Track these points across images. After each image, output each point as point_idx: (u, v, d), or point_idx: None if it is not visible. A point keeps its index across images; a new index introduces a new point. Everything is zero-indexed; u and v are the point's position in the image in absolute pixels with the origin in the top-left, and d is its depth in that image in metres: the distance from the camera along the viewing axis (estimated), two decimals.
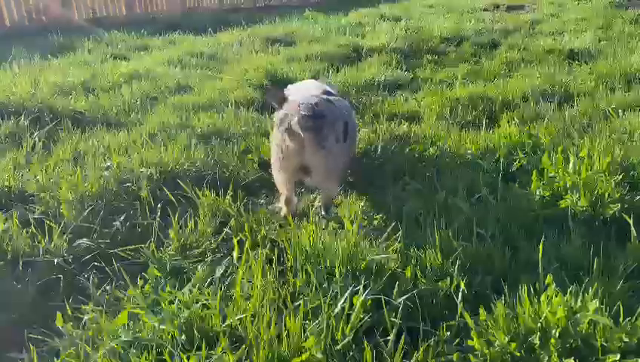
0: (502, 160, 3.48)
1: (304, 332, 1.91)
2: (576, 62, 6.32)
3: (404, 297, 2.11)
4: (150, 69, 6.42)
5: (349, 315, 2.01)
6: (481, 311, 2.02)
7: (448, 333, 2.01)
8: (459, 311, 2.05)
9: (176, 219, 2.78)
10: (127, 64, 6.84)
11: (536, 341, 1.89)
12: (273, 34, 8.49)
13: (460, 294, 2.11)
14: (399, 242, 2.52)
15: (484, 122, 4.10)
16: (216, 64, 6.85)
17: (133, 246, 2.67)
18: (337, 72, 6.18)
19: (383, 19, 10.36)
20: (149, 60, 7.07)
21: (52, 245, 2.71)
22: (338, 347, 1.88)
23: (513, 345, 1.89)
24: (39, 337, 2.14)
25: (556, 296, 2.01)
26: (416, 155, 3.65)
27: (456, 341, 1.99)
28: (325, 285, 2.17)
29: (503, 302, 2.07)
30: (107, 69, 6.47)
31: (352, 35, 8.29)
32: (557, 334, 1.89)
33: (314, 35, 8.32)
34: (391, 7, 12.38)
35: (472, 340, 1.92)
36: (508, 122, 4.12)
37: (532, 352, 1.88)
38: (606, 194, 2.82)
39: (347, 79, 5.71)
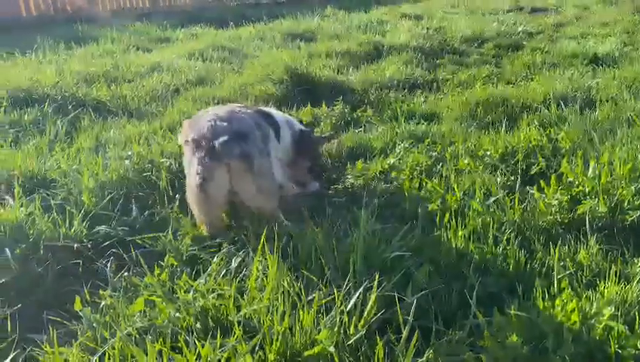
0: (521, 163, 3.46)
1: (317, 325, 1.93)
2: (601, 66, 6.24)
3: (417, 295, 2.11)
4: (172, 61, 6.48)
5: (362, 311, 2.02)
6: (495, 312, 2.02)
7: (461, 333, 2.01)
8: (472, 312, 2.05)
9: None
10: (150, 56, 6.92)
11: (550, 344, 1.89)
12: (294, 30, 8.51)
13: (474, 294, 2.10)
14: (414, 241, 2.52)
15: (503, 124, 4.07)
16: (236, 58, 6.89)
17: (151, 235, 2.71)
18: (357, 69, 6.18)
19: (405, 17, 10.32)
20: (170, 52, 7.14)
21: (72, 230, 2.76)
22: (350, 342, 1.89)
23: (526, 347, 1.89)
24: (58, 319, 2.19)
25: (571, 300, 2.00)
26: (435, 155, 3.64)
27: (469, 341, 1.99)
28: (339, 280, 2.18)
29: (517, 304, 2.07)
30: (129, 60, 6.56)
31: (373, 33, 8.27)
32: (570, 338, 1.88)
33: (335, 32, 8.32)
34: (412, 6, 12.34)
35: (485, 341, 1.91)
36: (528, 125, 4.08)
37: (545, 355, 1.88)
38: (625, 201, 2.80)
39: (367, 77, 5.70)
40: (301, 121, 4.04)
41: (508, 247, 2.49)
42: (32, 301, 2.37)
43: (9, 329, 2.15)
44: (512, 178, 3.26)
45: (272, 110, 3.50)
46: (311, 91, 5.25)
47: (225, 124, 2.67)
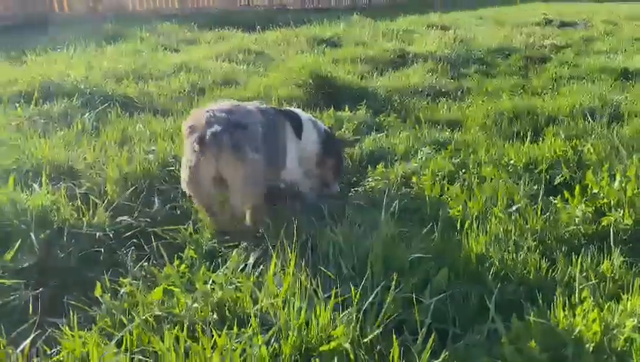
0: (544, 173, 3.42)
1: (333, 321, 1.92)
2: (630, 81, 6.14)
3: (436, 298, 2.09)
4: (199, 62, 6.57)
5: (379, 310, 2.01)
6: (514, 318, 1.99)
7: (478, 337, 1.99)
8: (490, 317, 2.03)
9: None
10: (177, 55, 7.03)
11: (569, 353, 1.85)
12: (320, 35, 8.56)
13: (493, 300, 2.08)
14: (434, 245, 2.51)
15: (528, 135, 4.03)
16: (262, 61, 6.96)
17: (172, 227, 2.74)
18: (381, 75, 6.19)
19: (431, 27, 10.31)
20: (198, 53, 7.24)
21: (95, 219, 2.80)
22: (366, 340, 1.89)
23: (544, 355, 1.86)
24: (78, 304, 2.22)
25: (592, 310, 1.96)
26: (457, 162, 3.62)
27: (486, 346, 1.96)
28: (357, 279, 2.18)
29: (537, 312, 2.04)
30: (157, 59, 6.66)
31: (399, 41, 8.28)
32: (591, 349, 1.85)
33: (360, 39, 8.34)
34: (440, 16, 12.32)
35: (502, 346, 1.89)
36: (553, 136, 4.03)
37: None
38: None
39: (391, 83, 5.71)
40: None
41: (529, 255, 2.46)
42: (54, 286, 2.41)
43: (30, 311, 2.19)
44: (536, 187, 3.22)
45: (298, 110, 3.52)
46: (334, 95, 5.27)
47: (223, 115, 2.68)
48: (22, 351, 1.86)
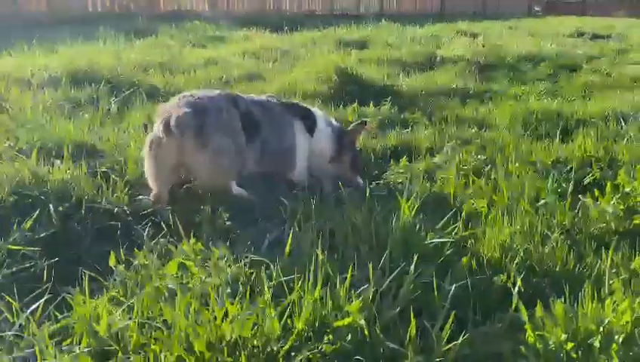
0: (574, 172, 3.30)
1: (349, 299, 1.86)
2: None
3: (456, 284, 2.01)
4: (225, 58, 6.61)
5: (396, 293, 1.94)
6: (538, 306, 1.90)
7: (499, 325, 1.90)
8: (513, 305, 1.94)
9: None
10: (204, 51, 7.08)
11: (597, 344, 1.75)
12: (347, 37, 8.55)
13: (516, 289, 1.99)
14: (456, 233, 2.43)
15: (557, 135, 3.92)
16: (288, 59, 6.96)
17: (190, 207, 2.71)
18: (408, 76, 6.12)
19: (460, 34, 10.22)
20: (225, 50, 7.29)
21: (114, 196, 2.79)
22: (383, 321, 1.81)
23: (570, 344, 1.76)
24: (92, 274, 2.19)
25: (623, 301, 1.86)
26: (483, 158, 3.53)
27: (508, 334, 1.88)
28: (375, 262, 2.11)
29: (563, 303, 1.94)
30: (185, 54, 6.72)
31: (427, 45, 8.20)
32: (621, 340, 1.75)
33: (388, 42, 8.30)
34: (469, 24, 12.22)
35: (526, 334, 1.80)
36: (583, 137, 3.91)
37: (591, 355, 1.75)
38: None
39: (417, 83, 5.64)
40: None
41: (556, 248, 2.36)
42: (69, 256, 2.40)
43: (44, 278, 2.17)
44: (564, 185, 3.11)
45: (312, 108, 3.47)
46: (358, 92, 5.22)
47: (194, 99, 2.64)
48: (33, 314, 1.83)
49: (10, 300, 1.88)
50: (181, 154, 2.58)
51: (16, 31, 7.88)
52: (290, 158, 3.12)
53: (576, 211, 2.78)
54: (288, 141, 3.11)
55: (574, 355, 1.76)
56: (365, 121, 3.66)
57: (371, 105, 4.63)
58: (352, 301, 1.84)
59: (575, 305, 1.97)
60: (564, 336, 1.77)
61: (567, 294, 2.05)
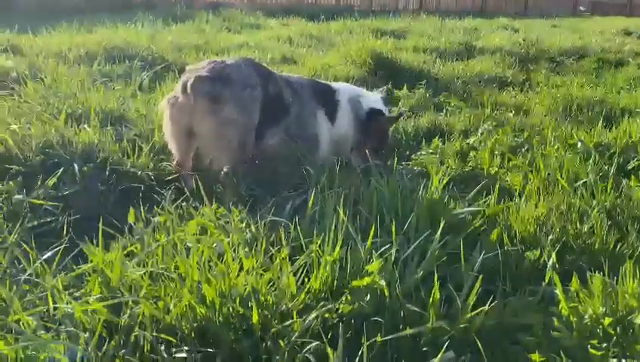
0: (617, 157, 3.12)
1: (369, 261, 1.76)
2: None
3: (485, 255, 1.89)
4: (260, 43, 6.58)
5: (420, 261, 1.83)
6: (574, 280, 1.77)
7: (531, 298, 1.78)
8: (546, 279, 1.81)
9: None
10: (239, 36, 7.07)
11: (639, 321, 1.61)
12: (384, 27, 8.41)
13: (550, 262, 1.86)
14: (488, 206, 2.30)
15: (600, 121, 3.72)
16: (323, 46, 6.89)
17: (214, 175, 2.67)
18: (444, 63, 5.96)
19: (501, 29, 9.95)
20: (260, 36, 7.27)
21: (139, 161, 2.77)
22: (405, 284, 1.72)
23: (608, 319, 1.63)
24: (111, 232, 2.16)
25: None
26: (520, 141, 3.37)
27: (540, 307, 1.75)
28: (400, 230, 2.01)
29: (601, 279, 1.80)
30: (220, 38, 6.72)
31: (466, 36, 8.00)
32: None
33: (426, 32, 8.13)
34: (511, 20, 11.90)
35: (560, 307, 1.67)
36: (629, 122, 3.70)
37: (629, 332, 1.61)
38: None
39: (454, 70, 5.48)
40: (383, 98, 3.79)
41: (596, 226, 2.21)
42: (91, 215, 2.37)
43: (64, 233, 2.16)
44: (606, 167, 2.94)
45: (344, 87, 3.33)
46: (393, 76, 5.10)
47: (221, 66, 2.57)
48: (49, 264, 1.81)
49: (28, 249, 1.86)
50: (192, 117, 2.51)
51: (58, 16, 8.05)
52: (314, 146, 3.03)
53: (619, 193, 2.62)
54: (311, 130, 3.02)
55: (612, 331, 1.63)
56: (403, 113, 3.56)
57: (405, 88, 4.51)
58: (373, 263, 1.74)
59: (615, 282, 1.84)
60: (601, 310, 1.64)
61: (606, 271, 1.92)
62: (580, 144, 3.12)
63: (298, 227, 1.93)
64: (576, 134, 3.41)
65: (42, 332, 1.51)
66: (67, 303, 1.63)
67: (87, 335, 1.51)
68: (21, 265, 1.87)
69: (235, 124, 2.54)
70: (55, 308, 1.61)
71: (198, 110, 2.47)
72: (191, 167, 2.76)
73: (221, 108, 2.48)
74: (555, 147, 3.14)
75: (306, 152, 2.90)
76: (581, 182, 2.65)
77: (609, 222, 2.33)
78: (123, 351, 1.46)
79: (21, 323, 1.52)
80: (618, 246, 2.15)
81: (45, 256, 1.80)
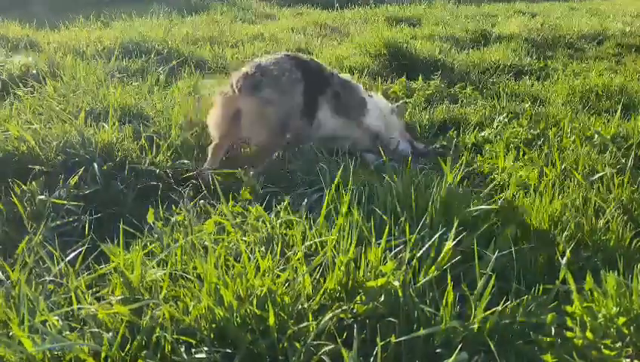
0: (635, 149, 3.08)
1: (384, 261, 1.79)
2: None
3: (499, 253, 1.90)
4: (274, 34, 6.57)
5: (435, 259, 1.85)
6: (588, 278, 1.77)
7: (545, 297, 1.79)
8: (560, 277, 1.82)
9: None
10: (253, 27, 7.07)
11: None
12: (399, 14, 8.34)
13: (565, 260, 1.87)
14: (503, 202, 2.30)
15: (619, 111, 3.66)
16: (337, 35, 6.86)
17: (230, 171, 2.71)
18: (460, 52, 5.90)
19: (518, 13, 9.77)
20: (274, 26, 7.26)
21: (157, 158, 2.82)
22: (418, 284, 1.74)
23: (622, 319, 1.64)
24: (131, 231, 2.22)
25: None
26: (536, 133, 3.35)
27: (553, 305, 1.77)
28: (414, 227, 2.03)
29: (616, 277, 1.80)
30: (235, 29, 6.73)
31: (482, 23, 7.88)
32: None
33: (441, 19, 8.04)
34: (528, 5, 11.67)
35: (574, 306, 1.69)
36: None
37: None
38: None
39: (470, 59, 5.43)
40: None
41: (611, 222, 2.21)
42: (111, 213, 2.44)
43: (86, 233, 2.21)
44: (623, 161, 2.91)
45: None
46: (408, 66, 5.08)
47: (260, 63, 2.98)
48: (72, 264, 1.87)
49: (52, 249, 1.92)
50: (238, 102, 2.87)
51: (77, 8, 8.13)
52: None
53: (636, 187, 2.60)
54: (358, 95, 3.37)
55: (626, 331, 1.63)
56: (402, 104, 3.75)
57: (420, 78, 4.49)
58: (387, 260, 1.77)
59: (630, 280, 1.84)
60: (615, 309, 1.65)
61: (621, 269, 1.91)
62: (596, 136, 3.09)
63: (313, 227, 1.97)
64: (594, 125, 3.37)
65: (67, 332, 1.57)
66: (90, 304, 1.69)
67: (110, 335, 1.56)
68: (45, 265, 1.94)
69: (274, 104, 2.86)
70: (79, 309, 1.66)
71: (243, 95, 2.85)
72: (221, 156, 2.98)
73: (261, 90, 2.85)
74: (572, 139, 3.12)
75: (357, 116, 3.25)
76: (597, 175, 2.63)
77: (625, 218, 2.32)
78: (145, 351, 1.51)
79: (48, 324, 1.57)
80: (634, 243, 2.14)
81: (69, 258, 1.85)
